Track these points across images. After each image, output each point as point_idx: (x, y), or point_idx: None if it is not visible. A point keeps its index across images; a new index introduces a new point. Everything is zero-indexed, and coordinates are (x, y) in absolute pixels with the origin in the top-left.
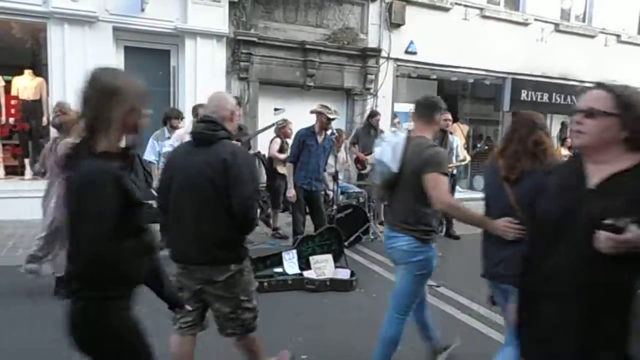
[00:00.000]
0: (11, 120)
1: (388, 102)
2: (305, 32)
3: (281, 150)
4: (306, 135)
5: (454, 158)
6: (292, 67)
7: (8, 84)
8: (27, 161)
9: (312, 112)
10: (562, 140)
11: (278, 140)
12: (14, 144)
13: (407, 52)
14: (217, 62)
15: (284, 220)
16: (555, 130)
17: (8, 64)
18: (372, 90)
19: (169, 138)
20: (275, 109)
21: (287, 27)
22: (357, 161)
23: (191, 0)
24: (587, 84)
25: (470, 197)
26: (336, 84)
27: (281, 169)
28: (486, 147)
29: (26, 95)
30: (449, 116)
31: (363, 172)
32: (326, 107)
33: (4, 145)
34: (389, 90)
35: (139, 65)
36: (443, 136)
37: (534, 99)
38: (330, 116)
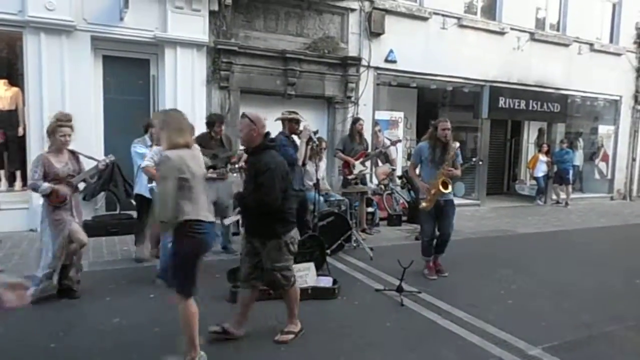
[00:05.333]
0: None
1: (369, 110)
2: (285, 41)
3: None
4: (287, 145)
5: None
6: (272, 75)
7: None
8: (2, 173)
9: (278, 119)
10: (540, 146)
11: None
12: None
13: (387, 60)
14: (197, 71)
15: None
16: (532, 136)
17: None
18: (353, 99)
19: (150, 146)
20: None
21: (267, 36)
22: (345, 166)
23: (171, 9)
24: (562, 91)
25: None
26: (317, 92)
27: None
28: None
29: (1, 106)
30: (448, 125)
31: (349, 177)
32: (293, 112)
33: None
34: (369, 98)
35: (118, 74)
36: (444, 147)
37: (512, 106)
38: (302, 120)
